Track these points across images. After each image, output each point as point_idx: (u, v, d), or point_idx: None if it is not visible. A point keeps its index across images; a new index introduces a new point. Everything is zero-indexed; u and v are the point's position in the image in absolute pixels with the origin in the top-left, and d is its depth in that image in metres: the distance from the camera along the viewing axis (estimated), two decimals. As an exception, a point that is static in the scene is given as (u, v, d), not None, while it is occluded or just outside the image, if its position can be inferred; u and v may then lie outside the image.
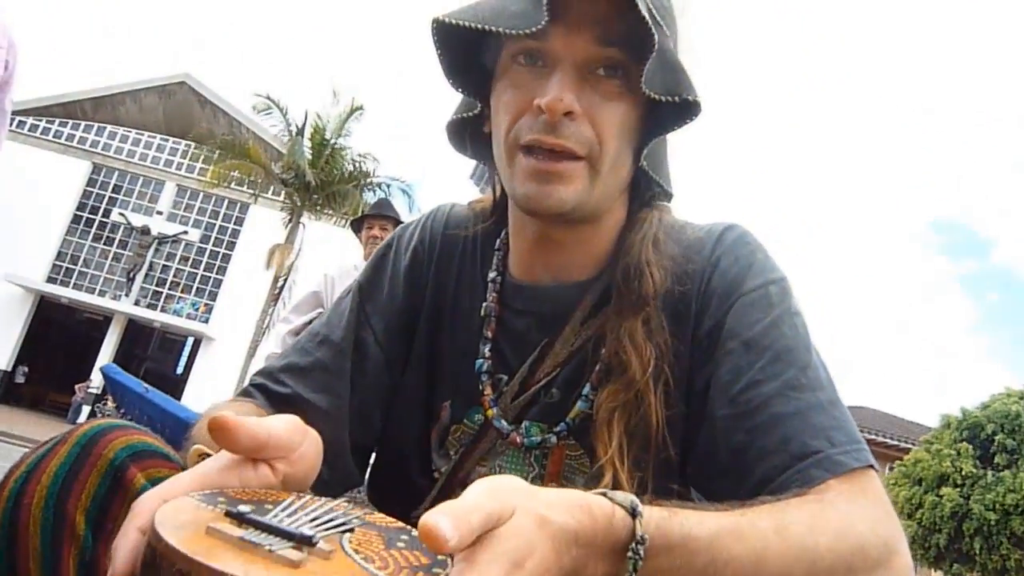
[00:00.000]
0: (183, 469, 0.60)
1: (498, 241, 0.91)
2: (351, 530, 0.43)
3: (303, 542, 0.39)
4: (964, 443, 13.08)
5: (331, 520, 0.44)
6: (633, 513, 0.51)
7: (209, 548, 0.37)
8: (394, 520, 0.47)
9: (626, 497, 0.52)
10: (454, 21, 0.72)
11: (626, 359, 0.77)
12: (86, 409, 19.29)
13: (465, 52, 0.81)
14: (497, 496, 0.44)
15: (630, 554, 0.50)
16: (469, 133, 0.89)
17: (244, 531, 0.39)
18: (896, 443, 18.49)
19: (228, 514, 0.41)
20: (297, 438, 0.54)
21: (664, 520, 0.53)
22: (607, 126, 0.75)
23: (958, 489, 12.72)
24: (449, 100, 0.89)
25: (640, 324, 0.78)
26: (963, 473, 12.76)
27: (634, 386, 0.76)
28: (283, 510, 0.44)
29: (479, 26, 0.71)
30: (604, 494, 0.52)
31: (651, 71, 0.71)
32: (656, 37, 0.69)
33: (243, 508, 0.42)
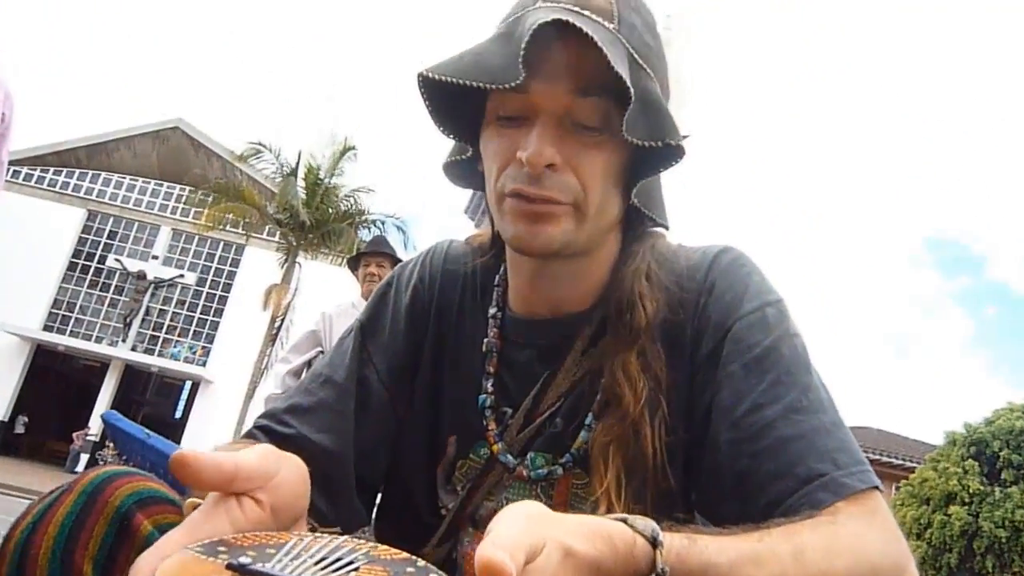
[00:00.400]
0: None
1: (497, 277, 0.92)
2: (356, 569, 0.43)
3: None
4: (970, 460, 12.97)
5: (336, 560, 0.44)
6: (654, 543, 0.51)
7: None
8: (399, 552, 0.47)
9: (647, 525, 0.52)
10: (437, 76, 0.73)
11: (619, 392, 0.77)
12: (84, 457, 19.11)
13: (452, 99, 0.81)
14: (534, 530, 0.44)
15: None
16: (467, 171, 0.89)
17: None
18: (901, 462, 18.36)
19: (230, 567, 0.40)
20: (271, 466, 0.52)
21: (684, 549, 0.53)
22: (590, 175, 0.75)
23: (966, 507, 12.59)
24: (441, 138, 0.90)
25: (634, 356, 0.79)
26: (970, 491, 12.64)
27: (628, 419, 0.77)
28: (286, 554, 0.43)
29: (460, 81, 0.72)
30: (625, 520, 0.52)
31: (632, 118, 0.71)
32: (632, 92, 0.69)
33: (244, 560, 0.41)
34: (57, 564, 0.58)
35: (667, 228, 0.86)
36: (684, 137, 0.75)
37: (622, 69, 0.68)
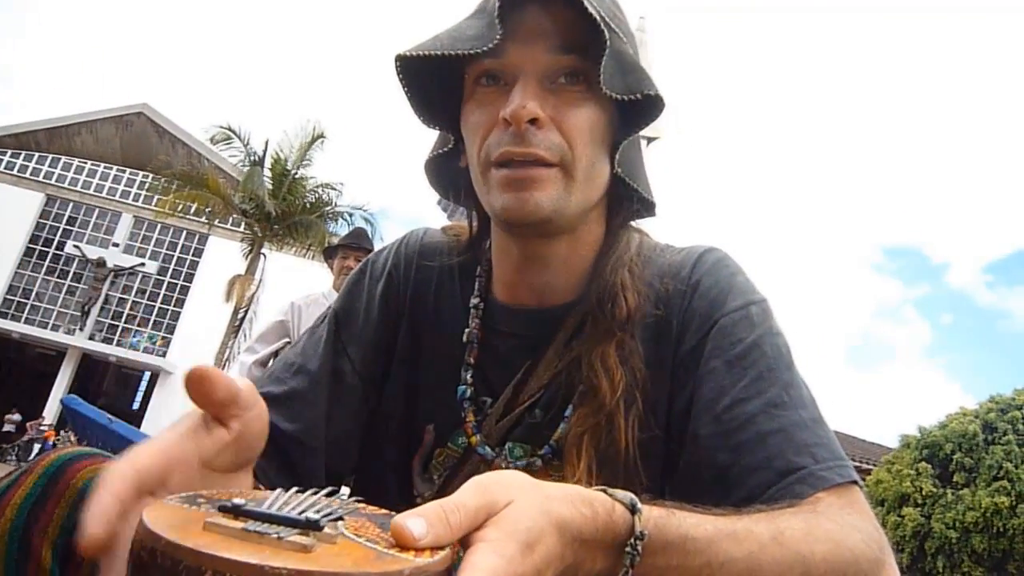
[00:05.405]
0: None
1: (479, 268, 0.91)
2: (341, 518, 0.42)
3: (310, 527, 0.38)
4: (923, 463, 13.28)
5: (321, 510, 0.43)
6: (633, 509, 0.51)
7: (214, 541, 0.35)
8: (377, 508, 0.47)
9: (626, 494, 0.52)
10: (414, 53, 0.73)
11: (596, 383, 0.77)
12: (37, 447, 18.66)
13: (431, 87, 0.81)
14: (485, 493, 0.44)
15: (628, 549, 0.50)
16: (447, 170, 0.88)
17: (245, 523, 0.38)
18: (858, 464, 18.72)
19: (222, 508, 0.40)
20: (253, 398, 0.53)
21: (662, 519, 0.53)
22: (576, 131, 0.75)
23: (919, 508, 12.89)
24: (414, 128, 0.89)
25: (613, 348, 0.79)
26: (923, 492, 12.94)
27: (604, 410, 0.76)
28: (271, 504, 0.42)
29: (438, 52, 0.72)
30: (604, 490, 0.52)
31: (608, 72, 0.72)
32: (608, 38, 0.71)
33: (237, 501, 0.40)
34: (15, 547, 0.56)
35: (654, 206, 0.86)
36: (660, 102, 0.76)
37: (598, 19, 0.70)
